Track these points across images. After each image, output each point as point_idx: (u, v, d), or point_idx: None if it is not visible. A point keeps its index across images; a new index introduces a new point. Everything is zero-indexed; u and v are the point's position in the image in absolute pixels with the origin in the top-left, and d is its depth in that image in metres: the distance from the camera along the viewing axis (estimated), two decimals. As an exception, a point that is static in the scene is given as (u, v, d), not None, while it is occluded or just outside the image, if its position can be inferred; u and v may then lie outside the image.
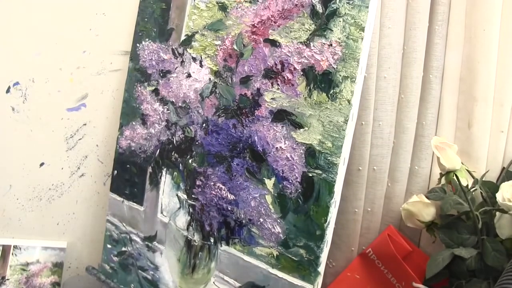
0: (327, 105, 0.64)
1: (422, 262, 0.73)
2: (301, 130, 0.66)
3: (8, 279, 0.93)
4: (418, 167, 0.78)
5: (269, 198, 0.69)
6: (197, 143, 0.77)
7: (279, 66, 0.68)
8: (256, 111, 0.70)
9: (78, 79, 0.93)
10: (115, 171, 0.89)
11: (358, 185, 0.76)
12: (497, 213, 0.67)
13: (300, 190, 0.66)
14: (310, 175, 0.65)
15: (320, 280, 0.66)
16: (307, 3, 0.66)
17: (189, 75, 0.78)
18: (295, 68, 0.67)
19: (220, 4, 0.74)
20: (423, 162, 0.78)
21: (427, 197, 0.74)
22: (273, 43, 0.69)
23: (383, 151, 0.76)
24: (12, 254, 0.93)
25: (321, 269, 0.66)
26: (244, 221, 0.72)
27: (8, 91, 0.92)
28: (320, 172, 0.65)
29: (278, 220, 0.68)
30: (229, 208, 0.73)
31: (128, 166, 0.87)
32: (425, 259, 0.72)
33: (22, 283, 0.93)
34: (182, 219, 0.79)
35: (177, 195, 0.80)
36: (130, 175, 0.87)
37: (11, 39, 0.91)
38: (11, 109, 0.93)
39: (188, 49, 0.78)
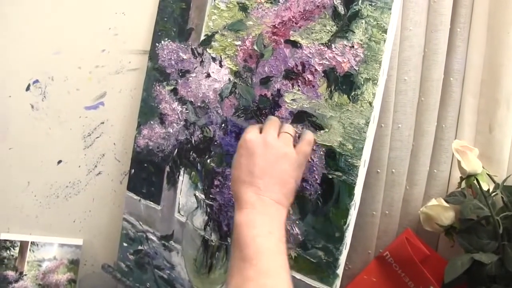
0: (348, 107, 0.64)
1: (439, 267, 0.72)
2: (322, 131, 0.66)
3: (25, 275, 0.94)
4: (437, 170, 0.78)
5: (287, 199, 0.69)
6: (215, 143, 0.77)
7: (300, 67, 0.68)
8: (276, 112, 0.70)
9: (97, 77, 0.93)
10: (132, 170, 0.90)
11: (376, 188, 0.76)
12: (519, 219, 0.67)
13: (319, 192, 0.66)
14: (330, 177, 0.65)
15: (338, 282, 0.66)
16: (328, 5, 0.66)
17: (208, 75, 0.78)
18: (316, 70, 0.67)
19: (240, 5, 0.74)
20: (442, 166, 0.77)
21: (446, 201, 0.74)
22: (294, 44, 0.69)
23: (402, 154, 0.76)
24: (30, 250, 0.94)
25: (340, 271, 0.66)
26: (262, 222, 0.71)
27: (28, 89, 0.93)
28: (340, 174, 0.65)
29: (297, 222, 0.68)
30: (247, 209, 0.73)
31: (145, 165, 0.87)
32: (443, 263, 0.72)
33: (39, 279, 0.94)
34: (200, 219, 0.79)
35: (194, 194, 0.80)
36: (147, 174, 0.87)
37: (31, 38, 0.92)
38: (30, 107, 0.94)
39: (207, 49, 0.78)
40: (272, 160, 0.62)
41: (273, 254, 0.56)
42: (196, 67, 0.80)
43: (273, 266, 0.55)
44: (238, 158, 0.64)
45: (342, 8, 0.65)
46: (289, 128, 0.66)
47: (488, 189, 0.69)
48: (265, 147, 0.62)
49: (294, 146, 0.65)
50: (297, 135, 0.67)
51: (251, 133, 0.64)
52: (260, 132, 0.65)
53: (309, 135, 0.66)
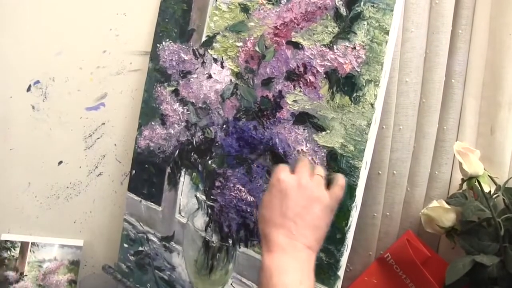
0: (350, 108, 0.64)
1: (441, 268, 0.72)
2: (323, 133, 0.66)
3: (26, 275, 0.94)
4: (438, 172, 0.78)
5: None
6: (217, 144, 0.77)
7: (301, 69, 0.68)
8: (277, 113, 0.70)
9: (98, 78, 0.93)
10: (133, 171, 0.90)
11: (377, 189, 0.76)
12: (520, 221, 0.67)
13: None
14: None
15: (339, 284, 0.66)
16: (330, 6, 0.66)
17: (209, 76, 0.78)
18: (317, 71, 0.67)
19: (242, 6, 0.74)
20: (443, 167, 0.77)
21: (447, 203, 0.73)
22: (296, 46, 0.69)
23: (403, 156, 0.76)
24: (30, 251, 0.94)
25: (341, 273, 0.65)
26: (263, 223, 0.71)
27: (28, 89, 0.93)
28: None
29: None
30: (249, 210, 0.73)
31: (146, 166, 0.87)
32: (444, 265, 0.72)
33: (40, 280, 0.94)
34: (201, 220, 0.79)
35: (195, 195, 0.80)
36: (148, 175, 0.87)
37: (32, 39, 0.92)
38: (31, 108, 0.94)
39: (209, 50, 0.78)
40: (305, 203, 0.60)
41: None
42: (197, 68, 0.80)
43: None
44: (270, 198, 0.61)
45: (344, 10, 0.65)
46: (321, 170, 0.64)
47: (490, 191, 0.69)
48: (299, 189, 0.60)
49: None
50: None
51: (284, 174, 0.62)
52: (291, 172, 0.63)
53: (341, 180, 0.63)
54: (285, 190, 0.60)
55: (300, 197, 0.60)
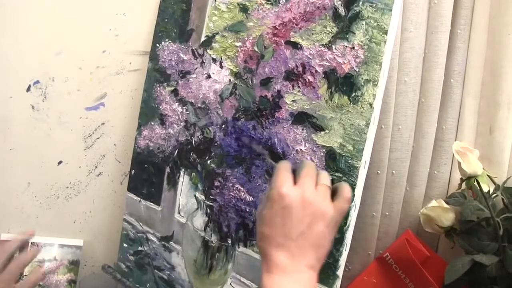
0: (349, 108, 0.64)
1: (440, 268, 0.72)
2: (322, 132, 0.66)
3: (25, 275, 0.93)
4: (437, 171, 0.78)
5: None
6: (216, 144, 0.77)
7: (300, 69, 0.68)
8: (276, 113, 0.70)
9: (98, 78, 0.94)
10: (133, 171, 0.90)
11: (376, 189, 0.76)
12: (519, 220, 0.67)
13: (319, 193, 0.66)
14: (331, 178, 0.65)
15: (338, 283, 0.66)
16: (329, 6, 0.66)
17: (209, 76, 0.78)
18: (316, 71, 0.67)
19: (241, 6, 0.75)
20: (442, 167, 0.77)
21: (446, 202, 0.74)
22: (295, 45, 0.69)
23: (402, 155, 0.76)
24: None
25: (340, 272, 0.65)
26: (262, 223, 0.71)
27: (28, 89, 0.93)
28: (340, 175, 0.64)
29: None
30: (248, 210, 0.73)
31: (146, 166, 0.88)
32: (443, 265, 0.72)
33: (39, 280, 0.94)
34: (200, 220, 0.79)
35: (195, 195, 0.80)
36: (147, 175, 0.87)
37: (32, 39, 0.92)
38: (31, 108, 0.94)
39: (208, 50, 0.78)
40: (309, 220, 0.56)
41: None
42: (196, 68, 0.80)
43: None
44: (271, 215, 0.56)
45: (343, 10, 0.65)
46: (326, 178, 0.60)
47: (489, 191, 0.69)
48: (303, 206, 0.56)
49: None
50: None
51: (286, 187, 0.56)
52: (294, 180, 0.58)
53: (347, 191, 0.59)
54: (288, 206, 0.56)
55: (304, 214, 0.56)
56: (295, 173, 0.59)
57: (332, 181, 0.63)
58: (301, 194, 0.56)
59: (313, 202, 0.56)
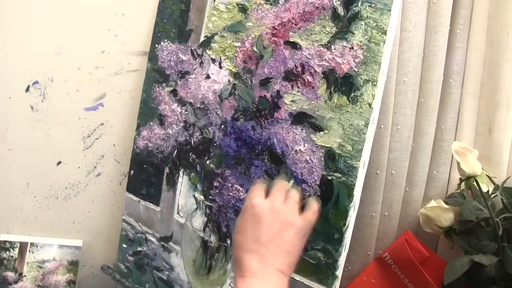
0: (348, 108, 0.64)
1: (439, 268, 0.72)
2: (321, 133, 0.66)
3: (25, 276, 0.94)
4: (436, 172, 0.77)
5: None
6: (215, 144, 0.77)
7: (299, 69, 0.68)
8: (275, 113, 0.70)
9: (97, 79, 0.93)
10: (132, 171, 0.90)
11: (375, 189, 0.76)
12: (518, 220, 0.67)
13: (319, 193, 0.66)
14: (330, 178, 0.65)
15: (337, 284, 0.66)
16: (328, 6, 0.66)
17: (208, 76, 0.78)
18: (315, 71, 0.67)
19: (240, 6, 0.75)
20: (441, 167, 0.77)
21: (445, 202, 0.73)
22: (294, 46, 0.69)
23: (401, 155, 0.76)
24: (29, 251, 0.94)
25: (339, 273, 0.65)
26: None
27: (27, 90, 0.93)
28: (339, 175, 0.64)
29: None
30: (247, 210, 0.73)
31: (145, 166, 0.87)
32: (442, 265, 0.72)
33: (39, 280, 0.94)
34: (199, 220, 0.79)
35: (194, 196, 0.80)
36: (147, 175, 0.87)
37: (31, 39, 0.92)
38: (30, 108, 0.94)
39: (207, 50, 0.78)
40: (278, 228, 0.60)
41: None
42: (195, 68, 0.80)
43: None
44: (243, 223, 0.62)
45: (342, 10, 0.65)
46: (295, 195, 0.64)
47: (488, 191, 0.69)
48: (272, 215, 0.61)
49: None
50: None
51: (258, 198, 0.63)
52: (266, 194, 0.64)
53: (314, 205, 0.64)
54: (258, 215, 0.61)
55: (273, 222, 0.61)
56: (269, 191, 0.65)
57: (332, 183, 0.64)
58: (271, 205, 0.62)
59: (282, 212, 0.61)
